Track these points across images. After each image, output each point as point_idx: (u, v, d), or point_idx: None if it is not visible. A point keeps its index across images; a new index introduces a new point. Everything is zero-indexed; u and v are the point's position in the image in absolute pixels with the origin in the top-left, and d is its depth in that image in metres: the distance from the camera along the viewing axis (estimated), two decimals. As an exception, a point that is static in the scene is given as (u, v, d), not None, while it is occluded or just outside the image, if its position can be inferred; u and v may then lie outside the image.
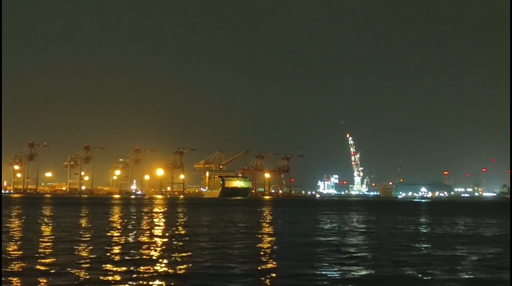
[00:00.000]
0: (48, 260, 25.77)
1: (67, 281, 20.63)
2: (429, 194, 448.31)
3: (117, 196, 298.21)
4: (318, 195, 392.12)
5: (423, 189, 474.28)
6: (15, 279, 20.83)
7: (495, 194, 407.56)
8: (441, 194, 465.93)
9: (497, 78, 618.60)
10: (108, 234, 41.21)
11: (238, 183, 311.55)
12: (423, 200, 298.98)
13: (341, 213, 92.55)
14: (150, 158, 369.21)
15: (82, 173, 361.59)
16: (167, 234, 41.62)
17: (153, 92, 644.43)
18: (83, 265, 24.34)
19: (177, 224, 54.39)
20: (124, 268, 23.65)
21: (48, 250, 29.81)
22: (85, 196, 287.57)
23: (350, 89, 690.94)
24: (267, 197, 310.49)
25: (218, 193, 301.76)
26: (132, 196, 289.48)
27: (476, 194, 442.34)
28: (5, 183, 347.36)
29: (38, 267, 23.88)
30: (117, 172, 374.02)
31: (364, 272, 23.93)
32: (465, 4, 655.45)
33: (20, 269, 23.22)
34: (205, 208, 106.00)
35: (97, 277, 21.45)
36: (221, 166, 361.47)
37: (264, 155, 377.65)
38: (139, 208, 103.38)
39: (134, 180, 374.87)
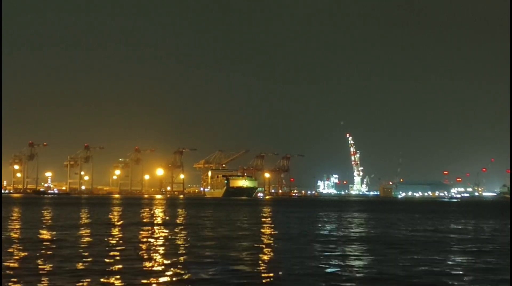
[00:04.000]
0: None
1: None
2: (459, 195, 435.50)
3: (117, 195, 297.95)
4: (260, 194, 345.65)
5: (453, 190, 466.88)
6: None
7: (495, 194, 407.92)
8: (441, 194, 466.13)
9: (497, 78, 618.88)
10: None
11: (243, 183, 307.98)
12: (453, 200, 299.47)
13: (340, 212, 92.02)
14: (150, 158, 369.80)
15: (82, 173, 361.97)
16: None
17: (153, 92, 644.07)
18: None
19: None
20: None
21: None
22: (85, 195, 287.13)
23: (350, 90, 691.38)
24: (267, 197, 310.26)
25: (222, 193, 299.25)
26: (45, 196, 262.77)
27: (476, 194, 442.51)
28: (5, 183, 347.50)
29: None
30: (117, 172, 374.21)
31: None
32: (465, 4, 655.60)
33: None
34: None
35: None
36: (223, 165, 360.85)
37: (264, 155, 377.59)
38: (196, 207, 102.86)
39: (49, 174, 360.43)
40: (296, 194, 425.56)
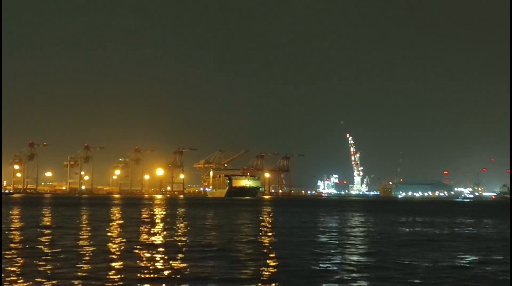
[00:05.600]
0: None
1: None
2: (471, 195, 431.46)
3: (117, 195, 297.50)
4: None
5: (466, 191, 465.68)
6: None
7: (495, 194, 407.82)
8: (441, 194, 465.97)
9: (497, 78, 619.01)
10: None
11: (246, 182, 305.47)
12: (466, 200, 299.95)
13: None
14: (150, 158, 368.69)
15: (82, 173, 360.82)
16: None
17: (153, 92, 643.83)
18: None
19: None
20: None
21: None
22: (85, 195, 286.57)
23: (350, 90, 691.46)
24: (267, 197, 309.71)
25: (225, 193, 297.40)
26: None
27: (476, 193, 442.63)
28: (5, 183, 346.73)
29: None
30: (117, 172, 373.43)
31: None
32: (465, 4, 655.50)
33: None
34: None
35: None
36: (225, 165, 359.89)
37: (264, 155, 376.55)
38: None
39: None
40: (325, 194, 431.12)
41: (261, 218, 70.07)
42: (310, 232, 46.56)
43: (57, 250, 30.73)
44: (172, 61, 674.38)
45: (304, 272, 24.24)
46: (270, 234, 44.11)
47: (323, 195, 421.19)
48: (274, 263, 26.75)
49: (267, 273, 23.87)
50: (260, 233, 44.26)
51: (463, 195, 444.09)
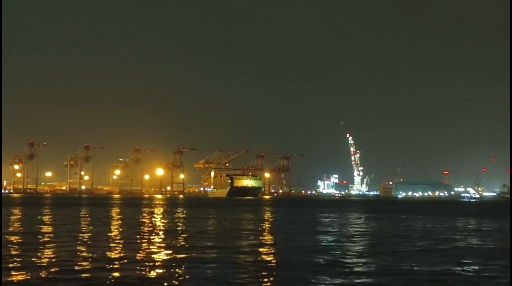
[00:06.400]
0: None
1: None
2: (477, 195, 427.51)
3: (117, 195, 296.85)
4: None
5: (471, 190, 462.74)
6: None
7: (495, 194, 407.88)
8: (441, 194, 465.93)
9: (497, 78, 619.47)
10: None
11: (248, 182, 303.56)
12: (472, 200, 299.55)
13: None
14: (150, 158, 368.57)
15: (82, 173, 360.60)
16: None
17: (153, 92, 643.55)
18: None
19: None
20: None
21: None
22: (85, 195, 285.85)
23: (350, 90, 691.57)
24: (267, 197, 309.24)
25: (226, 193, 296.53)
26: None
27: (476, 194, 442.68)
28: (5, 183, 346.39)
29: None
30: (117, 172, 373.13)
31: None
32: (465, 4, 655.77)
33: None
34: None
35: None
36: (226, 165, 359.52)
37: (264, 155, 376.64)
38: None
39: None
40: (339, 195, 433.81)
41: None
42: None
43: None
44: (172, 61, 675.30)
45: None
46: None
47: (337, 195, 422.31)
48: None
49: None
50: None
51: (468, 195, 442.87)
